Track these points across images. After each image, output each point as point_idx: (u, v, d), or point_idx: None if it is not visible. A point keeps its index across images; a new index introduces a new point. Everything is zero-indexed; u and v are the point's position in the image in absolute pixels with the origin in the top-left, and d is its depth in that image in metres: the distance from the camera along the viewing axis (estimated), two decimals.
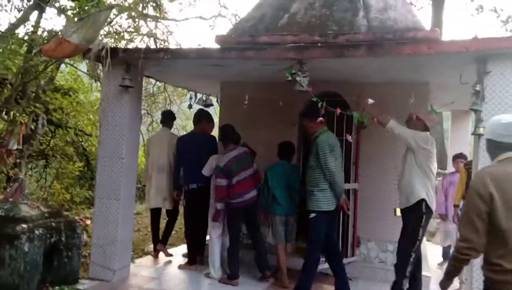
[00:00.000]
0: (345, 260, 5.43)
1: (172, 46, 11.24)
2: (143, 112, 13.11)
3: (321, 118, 4.48)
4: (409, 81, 5.33)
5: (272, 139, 5.87)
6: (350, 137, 4.53)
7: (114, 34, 8.49)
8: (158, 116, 13.63)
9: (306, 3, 6.07)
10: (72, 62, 8.26)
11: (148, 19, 10.98)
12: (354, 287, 5.11)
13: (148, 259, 6.02)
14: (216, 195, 5.03)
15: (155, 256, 6.03)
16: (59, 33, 4.44)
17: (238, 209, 5.05)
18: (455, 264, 2.50)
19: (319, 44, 4.53)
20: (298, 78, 4.22)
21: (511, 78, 3.67)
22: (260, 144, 5.98)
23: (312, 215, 4.54)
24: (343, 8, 5.80)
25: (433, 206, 4.27)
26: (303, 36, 5.51)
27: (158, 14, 11.15)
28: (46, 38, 5.58)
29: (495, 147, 2.50)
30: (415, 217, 4.22)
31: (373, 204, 5.59)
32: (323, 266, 5.21)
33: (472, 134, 3.88)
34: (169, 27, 16.91)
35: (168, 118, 6.22)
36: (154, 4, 10.32)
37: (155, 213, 6.15)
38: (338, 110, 4.38)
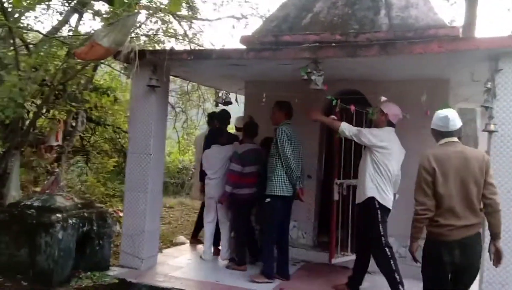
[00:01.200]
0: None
1: (207, 46, 11.60)
2: (178, 109, 13.59)
3: (333, 116, 4.60)
4: (429, 78, 5.34)
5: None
6: None
7: (148, 36, 8.90)
8: (192, 113, 14.09)
9: (329, 3, 6.19)
10: (108, 62, 8.76)
11: (183, 20, 11.37)
12: (372, 281, 5.21)
13: (176, 250, 6.34)
14: (228, 178, 5.33)
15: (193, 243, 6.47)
16: (91, 37, 4.74)
17: (241, 200, 5.35)
18: (416, 225, 3.28)
19: (333, 44, 4.63)
20: (313, 77, 4.36)
21: None
22: None
23: (268, 199, 4.90)
24: (365, 6, 5.88)
25: (389, 203, 4.41)
26: (325, 35, 5.65)
27: (191, 14, 11.49)
28: (82, 40, 5.96)
29: (437, 134, 3.34)
30: (369, 214, 4.43)
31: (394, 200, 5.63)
32: (342, 259, 5.35)
33: (483, 130, 3.92)
34: (203, 27, 17.26)
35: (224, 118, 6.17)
36: (187, 5, 10.65)
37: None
38: (352, 108, 4.49)
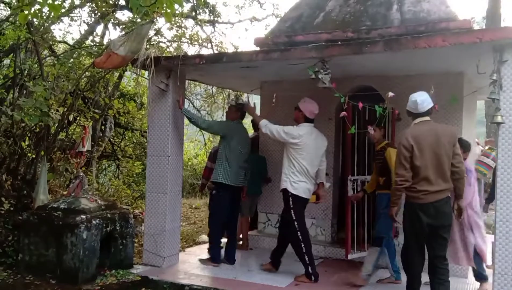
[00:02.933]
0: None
1: (230, 49, 11.79)
2: (203, 112, 13.84)
3: (344, 112, 4.65)
4: (442, 72, 5.31)
5: None
6: (372, 129, 4.65)
7: (170, 42, 9.18)
8: (218, 115, 14.30)
9: (341, 1, 6.24)
10: (135, 69, 9.09)
11: (205, 24, 11.61)
12: (386, 274, 5.22)
13: (198, 248, 6.53)
14: (203, 173, 6.02)
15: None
16: (108, 46, 4.98)
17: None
18: (396, 193, 3.94)
19: (339, 42, 4.68)
20: (320, 76, 4.43)
21: None
22: None
23: (214, 188, 5.58)
24: (377, 2, 5.90)
25: (301, 192, 4.92)
26: (337, 33, 5.71)
27: (213, 18, 11.71)
28: (103, 50, 6.24)
29: (411, 115, 3.98)
30: (284, 202, 5.03)
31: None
32: (359, 254, 5.38)
33: (490, 122, 3.88)
34: (226, 29, 17.52)
35: None
36: (207, 10, 10.88)
37: None
38: (360, 104, 4.53)
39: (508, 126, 3.71)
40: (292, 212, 4.93)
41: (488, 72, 3.82)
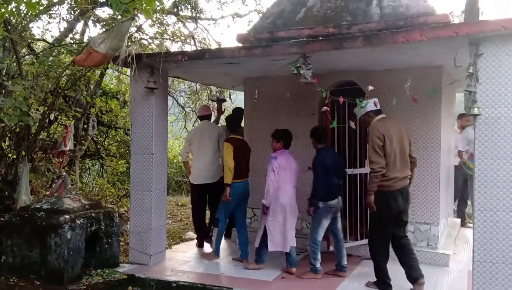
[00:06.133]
0: (366, 241, 5.64)
1: (213, 46, 11.75)
2: (188, 109, 13.80)
3: (325, 107, 4.70)
4: (421, 65, 5.41)
5: (293, 129, 6.19)
6: (353, 123, 4.72)
7: (152, 39, 9.11)
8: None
9: None
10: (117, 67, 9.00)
11: (187, 21, 11.55)
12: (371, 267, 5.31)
13: (184, 245, 6.55)
14: None
15: None
16: (89, 44, 4.94)
17: None
18: (374, 181, 4.26)
19: (319, 38, 4.72)
20: (302, 71, 4.46)
21: (503, 60, 3.72)
22: None
23: None
24: None
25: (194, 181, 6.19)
26: (318, 28, 5.75)
27: (195, 14, 11.66)
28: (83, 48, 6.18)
29: (373, 114, 4.54)
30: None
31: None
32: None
33: (468, 114, 3.98)
34: (209, 26, 17.42)
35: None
36: (189, 6, 10.83)
37: None
38: (341, 99, 4.59)
39: (484, 118, 3.80)
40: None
41: (465, 65, 3.89)
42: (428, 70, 5.43)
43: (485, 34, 3.71)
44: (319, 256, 4.96)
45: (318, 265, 4.95)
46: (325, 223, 4.92)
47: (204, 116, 6.46)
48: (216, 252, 5.71)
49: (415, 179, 5.52)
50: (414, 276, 4.42)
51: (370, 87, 4.44)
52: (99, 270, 5.13)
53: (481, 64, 3.79)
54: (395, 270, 4.61)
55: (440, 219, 5.56)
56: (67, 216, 4.82)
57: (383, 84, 5.66)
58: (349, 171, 5.42)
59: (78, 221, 4.87)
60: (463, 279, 4.93)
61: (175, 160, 14.60)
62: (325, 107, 4.72)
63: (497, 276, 3.79)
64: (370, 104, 4.57)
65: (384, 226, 4.40)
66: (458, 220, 7.43)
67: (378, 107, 4.57)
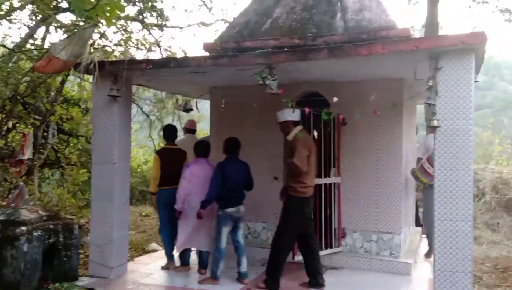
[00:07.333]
0: (331, 251, 5.71)
1: (179, 54, 11.65)
2: (153, 117, 13.60)
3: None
4: (384, 78, 5.54)
5: (259, 138, 6.22)
6: (316, 133, 4.78)
7: (117, 45, 8.94)
8: (168, 121, 14.10)
9: (287, 8, 6.34)
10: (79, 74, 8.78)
11: (153, 28, 11.42)
12: (339, 276, 5.37)
13: (147, 257, 6.40)
14: None
15: None
16: (49, 50, 4.80)
17: None
18: (292, 167, 4.68)
19: (285, 49, 4.76)
20: (268, 82, 4.48)
21: (462, 73, 3.86)
22: (249, 143, 6.31)
23: None
24: (322, 10, 6.05)
25: None
26: (284, 39, 5.82)
27: (161, 22, 11.54)
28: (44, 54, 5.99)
29: (292, 124, 4.88)
30: None
31: (356, 197, 5.82)
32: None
33: (428, 126, 4.10)
34: (175, 34, 17.33)
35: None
36: (155, 13, 10.71)
37: None
38: (307, 110, 4.63)
39: (443, 130, 3.92)
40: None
41: (425, 78, 4.01)
42: (391, 82, 5.57)
43: (444, 49, 3.84)
44: (221, 265, 5.07)
45: (219, 272, 5.08)
46: (225, 230, 5.10)
47: (189, 130, 6.70)
48: (171, 259, 5.81)
49: (378, 188, 5.70)
50: (321, 282, 4.91)
51: (335, 99, 4.51)
52: (57, 284, 4.93)
53: (440, 78, 3.91)
54: (365, 281, 4.62)
55: (402, 228, 5.67)
56: (24, 228, 4.63)
57: (348, 95, 5.75)
58: (319, 180, 5.46)
59: (35, 233, 4.68)
60: (424, 288, 5.03)
61: (139, 169, 14.33)
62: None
63: (457, 285, 3.89)
64: (295, 114, 4.85)
65: (294, 228, 4.81)
66: (420, 229, 7.61)
67: (299, 119, 4.89)
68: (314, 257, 4.96)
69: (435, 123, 3.87)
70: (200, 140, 5.74)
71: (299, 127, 4.86)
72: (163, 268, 5.78)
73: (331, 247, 5.72)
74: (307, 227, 4.90)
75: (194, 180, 5.26)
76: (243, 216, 5.26)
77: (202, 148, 5.49)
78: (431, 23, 9.73)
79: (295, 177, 4.77)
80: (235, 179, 5.10)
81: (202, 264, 5.47)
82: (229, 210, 5.06)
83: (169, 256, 5.81)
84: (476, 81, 4.32)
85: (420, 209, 7.67)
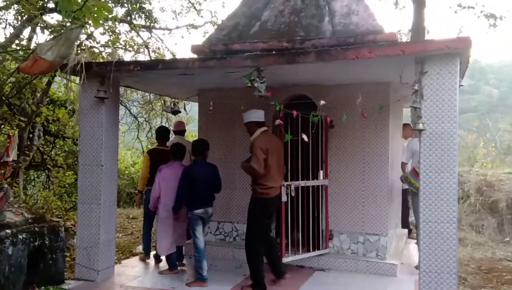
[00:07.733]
0: (318, 252, 5.73)
1: (167, 56, 11.64)
2: (141, 119, 13.54)
3: (279, 120, 4.75)
4: (371, 81, 5.60)
5: (246, 140, 6.20)
6: (306, 136, 4.79)
7: (104, 47, 8.89)
8: (156, 122, 14.06)
9: (276, 11, 6.37)
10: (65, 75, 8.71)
11: (141, 29, 11.38)
12: (326, 277, 5.39)
13: (135, 260, 6.35)
14: None
15: None
16: (35, 51, 4.75)
17: None
18: (249, 170, 4.76)
19: (273, 52, 4.79)
20: (256, 84, 4.49)
21: (447, 78, 3.92)
22: (237, 145, 6.34)
23: None
24: (310, 14, 6.09)
25: None
26: (272, 42, 5.84)
27: (149, 24, 11.52)
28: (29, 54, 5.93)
29: (256, 125, 4.90)
30: None
31: (343, 199, 5.86)
32: (293, 257, 5.50)
33: (414, 129, 4.15)
34: (164, 35, 17.30)
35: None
36: (143, 15, 10.69)
37: None
38: (295, 113, 4.66)
39: (429, 133, 3.97)
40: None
41: (411, 82, 4.06)
42: (377, 86, 5.63)
43: (429, 53, 3.89)
44: (204, 265, 5.09)
45: (204, 273, 5.08)
46: (199, 229, 5.17)
47: (178, 132, 6.78)
48: (146, 252, 6.23)
49: (365, 191, 5.75)
50: (282, 270, 5.09)
51: (322, 102, 4.54)
52: (43, 287, 4.87)
53: (425, 82, 3.97)
54: (352, 282, 4.64)
55: (388, 230, 5.73)
56: (8, 231, 4.56)
57: (335, 99, 5.81)
58: (301, 183, 5.50)
59: (20, 236, 4.62)
60: (410, 289, 5.08)
61: (126, 171, 14.24)
62: (279, 120, 4.78)
63: (442, 286, 3.94)
64: (259, 115, 4.92)
65: (262, 225, 4.89)
66: (405, 231, 7.69)
67: (263, 120, 4.95)
68: (274, 250, 5.10)
69: (420, 126, 3.92)
70: (175, 143, 5.77)
71: (263, 128, 4.88)
72: (140, 259, 6.25)
73: (318, 248, 5.75)
74: (268, 224, 5.04)
75: (165, 184, 5.38)
76: (211, 217, 5.34)
77: (175, 151, 5.56)
78: (418, 28, 9.85)
79: (255, 180, 4.83)
80: (203, 181, 5.14)
81: (178, 257, 5.73)
82: (197, 211, 5.12)
83: (146, 250, 6.24)
84: (461, 85, 4.40)
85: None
